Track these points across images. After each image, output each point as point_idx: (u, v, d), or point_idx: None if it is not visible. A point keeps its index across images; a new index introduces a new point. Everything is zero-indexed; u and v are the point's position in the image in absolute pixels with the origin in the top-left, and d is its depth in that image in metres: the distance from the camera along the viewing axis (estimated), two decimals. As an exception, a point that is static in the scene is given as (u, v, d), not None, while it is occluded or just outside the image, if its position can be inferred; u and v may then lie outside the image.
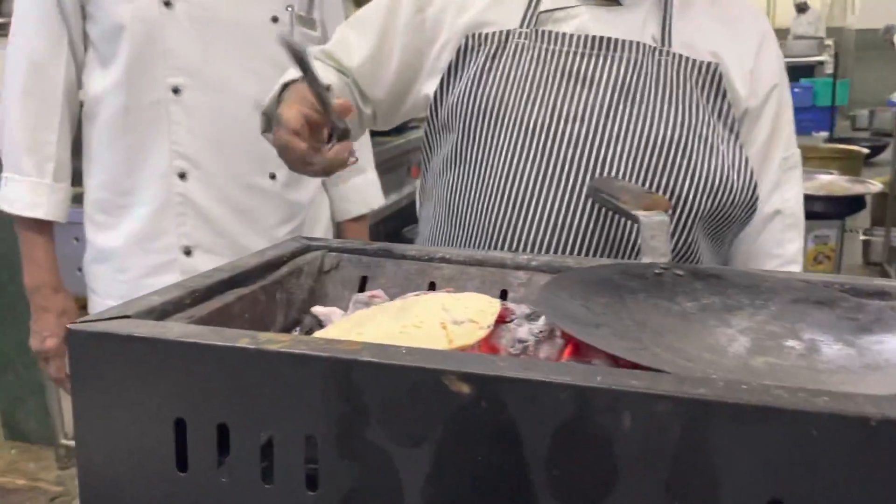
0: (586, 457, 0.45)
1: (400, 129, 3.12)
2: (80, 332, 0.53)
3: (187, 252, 1.34)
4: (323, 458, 0.50)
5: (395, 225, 2.83)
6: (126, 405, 0.53)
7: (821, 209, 2.82)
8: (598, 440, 0.44)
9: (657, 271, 0.72)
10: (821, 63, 7.69)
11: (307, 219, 1.47)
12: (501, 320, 0.64)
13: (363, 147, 1.55)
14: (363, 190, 1.58)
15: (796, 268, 1.02)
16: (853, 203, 2.98)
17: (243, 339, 0.51)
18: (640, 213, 0.76)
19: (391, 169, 2.94)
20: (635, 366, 0.51)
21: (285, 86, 0.94)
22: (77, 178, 1.41)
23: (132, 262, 1.35)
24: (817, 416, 0.41)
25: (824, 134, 5.19)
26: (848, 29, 9.20)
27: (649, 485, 0.44)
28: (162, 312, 0.58)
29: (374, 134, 2.84)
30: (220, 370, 0.51)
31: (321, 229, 1.53)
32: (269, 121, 0.99)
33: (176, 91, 1.28)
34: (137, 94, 1.27)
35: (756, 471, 0.42)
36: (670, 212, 0.78)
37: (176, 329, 0.53)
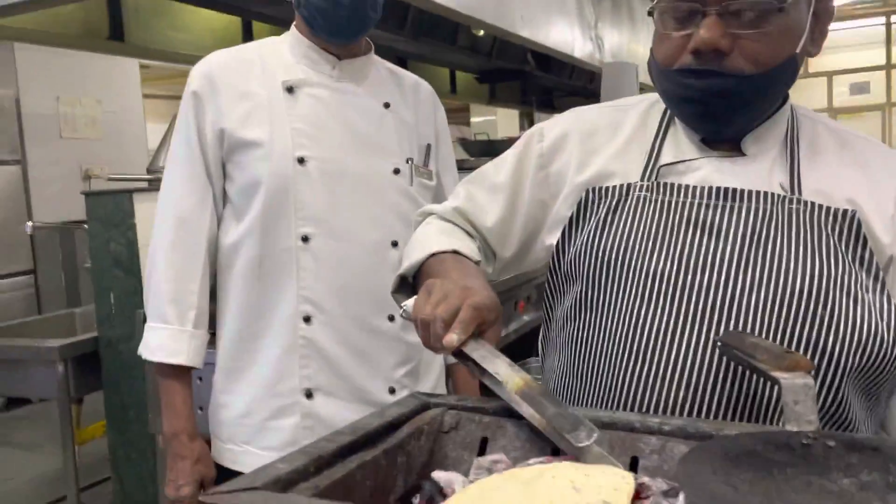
0: None
1: (508, 266, 3.15)
2: (210, 506, 0.53)
3: (308, 395, 1.36)
4: None
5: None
6: (250, 584, 0.52)
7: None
8: None
9: (805, 441, 0.66)
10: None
11: (422, 361, 1.48)
12: (636, 497, 0.60)
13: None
14: None
15: None
16: None
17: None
18: (781, 376, 0.71)
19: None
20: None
21: (431, 254, 0.96)
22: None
23: (257, 406, 1.38)
24: None
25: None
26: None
27: None
28: (287, 483, 0.58)
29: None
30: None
31: (436, 370, 1.53)
32: (402, 281, 1.01)
33: (305, 240, 1.34)
34: (270, 243, 1.35)
35: None
36: (813, 373, 0.72)
37: (302, 505, 0.52)
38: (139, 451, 2.48)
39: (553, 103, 5.99)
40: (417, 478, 0.73)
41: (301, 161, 1.32)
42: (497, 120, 8.64)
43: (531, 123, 5.48)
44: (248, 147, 1.33)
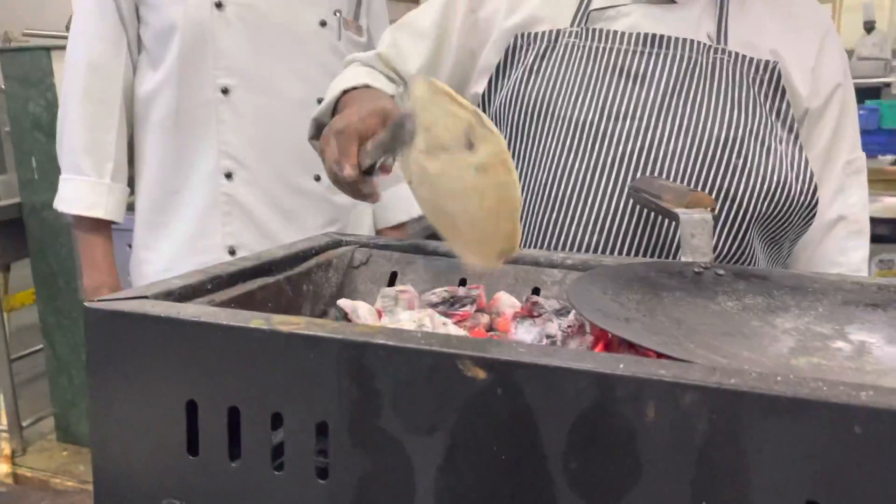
0: (607, 449, 0.42)
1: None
2: (94, 310, 0.52)
3: (232, 252, 1.35)
4: (334, 446, 0.48)
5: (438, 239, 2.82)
6: (139, 385, 0.52)
7: (886, 232, 2.70)
8: (619, 432, 0.42)
9: (697, 270, 0.68)
10: (887, 85, 7.44)
11: (350, 222, 1.47)
12: (529, 315, 0.62)
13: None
14: (405, 198, 1.57)
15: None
16: (920, 228, 2.85)
17: (256, 320, 0.50)
18: (681, 211, 0.73)
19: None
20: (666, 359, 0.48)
21: (344, 92, 0.93)
22: (129, 184, 1.43)
23: (179, 263, 1.36)
24: (860, 410, 0.38)
25: (891, 157, 5.00)
26: (917, 50, 8.90)
27: (674, 481, 0.41)
28: (181, 296, 0.58)
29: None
30: (233, 351, 0.50)
31: (364, 232, 1.53)
32: (319, 127, 0.99)
33: (225, 91, 1.29)
34: (187, 94, 1.29)
35: (791, 469, 0.39)
36: (716, 211, 0.74)
37: (190, 309, 0.52)
38: (70, 318, 2.46)
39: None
40: (324, 306, 0.74)
41: (219, 5, 1.26)
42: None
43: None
44: None
